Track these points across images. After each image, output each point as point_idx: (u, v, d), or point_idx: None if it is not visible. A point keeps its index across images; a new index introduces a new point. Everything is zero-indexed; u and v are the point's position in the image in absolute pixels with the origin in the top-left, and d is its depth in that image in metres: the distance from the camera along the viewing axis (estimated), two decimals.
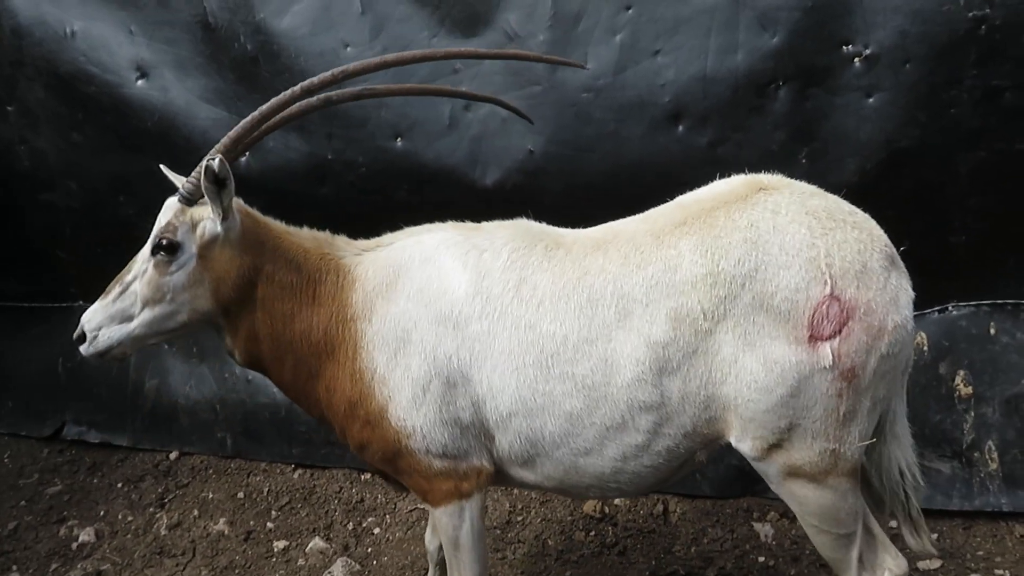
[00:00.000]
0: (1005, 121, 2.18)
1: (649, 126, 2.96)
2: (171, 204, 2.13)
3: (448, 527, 2.23)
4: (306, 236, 2.26)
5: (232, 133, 2.06)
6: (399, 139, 3.21)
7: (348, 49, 3.22)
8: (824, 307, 1.83)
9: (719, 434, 2.01)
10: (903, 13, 2.67)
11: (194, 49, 3.47)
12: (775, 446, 1.94)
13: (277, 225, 2.25)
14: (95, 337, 2.13)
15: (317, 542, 3.25)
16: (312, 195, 3.41)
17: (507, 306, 2.05)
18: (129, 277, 2.13)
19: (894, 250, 1.92)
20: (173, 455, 3.98)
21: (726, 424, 1.97)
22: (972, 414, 2.92)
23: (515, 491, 3.46)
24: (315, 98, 2.14)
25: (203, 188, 2.00)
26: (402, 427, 2.10)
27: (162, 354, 4.03)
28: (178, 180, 2.20)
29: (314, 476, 3.74)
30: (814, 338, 1.83)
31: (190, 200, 2.11)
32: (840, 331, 1.83)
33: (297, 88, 2.08)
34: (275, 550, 3.25)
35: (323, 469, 3.76)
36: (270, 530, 3.39)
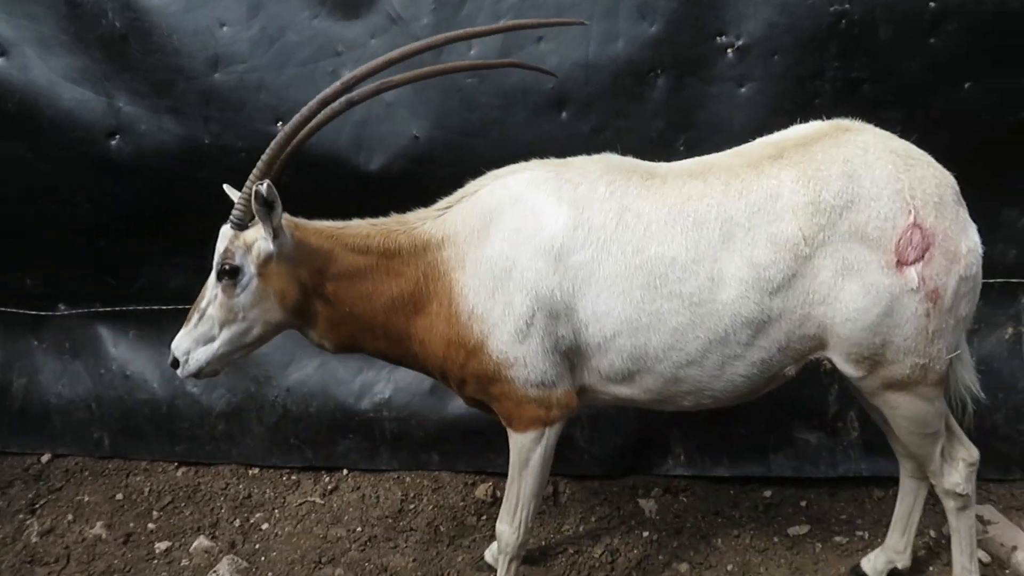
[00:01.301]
0: (863, 112, 2.31)
1: (533, 112, 2.99)
2: (225, 232, 2.29)
3: (524, 450, 2.40)
4: (361, 224, 2.38)
5: (265, 156, 2.18)
6: (280, 123, 3.10)
7: (224, 28, 3.09)
8: (908, 234, 2.04)
9: (811, 350, 2.22)
10: (771, 5, 2.79)
11: (58, 26, 3.23)
12: (872, 361, 2.15)
13: (328, 224, 2.39)
14: (186, 361, 2.35)
15: (202, 541, 3.14)
16: (190, 179, 3.26)
17: (611, 233, 2.17)
18: (204, 304, 2.33)
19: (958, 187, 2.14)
20: (45, 458, 3.75)
21: (820, 342, 2.18)
22: (836, 387, 3.11)
23: (407, 479, 3.45)
24: (336, 103, 2.21)
25: (255, 211, 2.17)
26: (504, 359, 2.24)
27: (31, 351, 3.78)
28: (235, 195, 2.31)
29: (199, 473, 3.60)
30: (901, 263, 2.05)
31: (241, 225, 2.26)
32: (923, 256, 2.05)
33: (313, 103, 2.17)
34: (157, 551, 3.12)
35: (208, 466, 3.63)
36: (151, 531, 3.24)
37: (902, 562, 2.65)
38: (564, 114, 2.98)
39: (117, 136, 3.23)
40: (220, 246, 2.27)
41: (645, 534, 3.06)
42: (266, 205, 2.15)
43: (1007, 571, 2.72)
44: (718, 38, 2.86)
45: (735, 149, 2.30)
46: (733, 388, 2.27)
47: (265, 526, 3.25)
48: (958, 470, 2.37)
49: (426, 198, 3.04)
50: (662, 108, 2.94)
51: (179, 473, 3.61)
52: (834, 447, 3.17)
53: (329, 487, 3.46)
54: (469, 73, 2.99)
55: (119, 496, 3.47)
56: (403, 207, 2.85)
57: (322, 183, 3.05)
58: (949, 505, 2.43)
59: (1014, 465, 3.10)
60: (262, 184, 2.10)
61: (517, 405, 2.34)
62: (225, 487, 3.50)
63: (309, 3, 3.05)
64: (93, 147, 3.28)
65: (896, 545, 2.65)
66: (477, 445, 3.36)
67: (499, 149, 2.98)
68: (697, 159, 2.32)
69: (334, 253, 2.32)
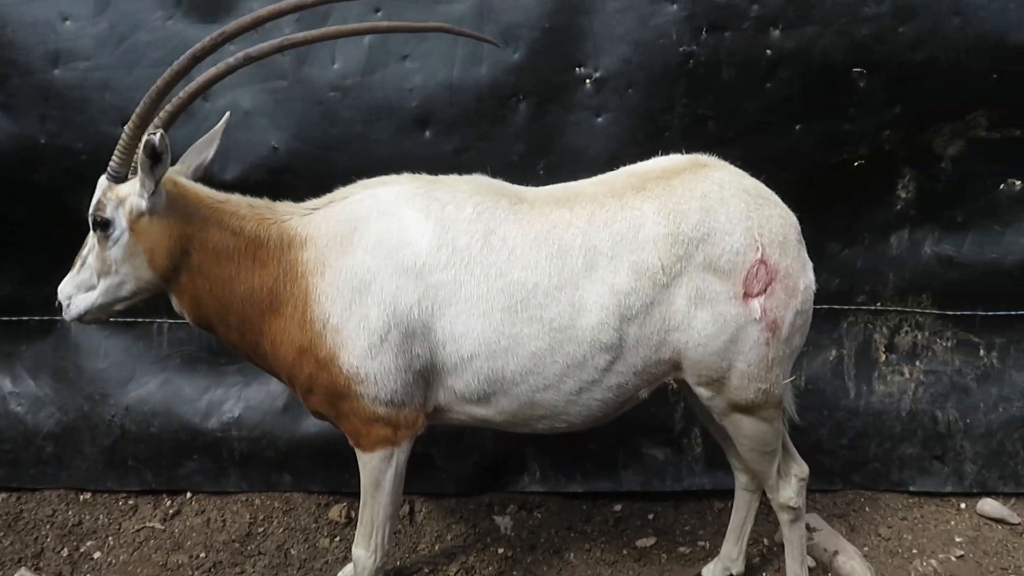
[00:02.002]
0: (707, 147, 2.48)
1: (397, 129, 2.98)
2: (100, 182, 2.24)
3: (375, 471, 2.38)
4: (240, 202, 2.34)
5: (138, 110, 2.11)
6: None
7: (67, 23, 2.91)
8: (755, 269, 2.19)
9: (665, 373, 2.34)
10: (627, 42, 2.93)
11: None
12: (719, 384, 2.30)
13: (208, 193, 2.33)
14: (68, 305, 2.34)
15: (24, 573, 2.88)
16: (23, 181, 3.03)
17: (476, 255, 2.20)
18: (85, 251, 2.32)
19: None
20: None
21: (675, 365, 2.30)
22: (681, 405, 3.28)
23: (256, 501, 3.31)
24: (233, 58, 2.12)
25: (139, 162, 2.10)
26: (354, 373, 2.22)
27: None
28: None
29: (21, 500, 3.31)
30: (747, 295, 2.20)
31: (117, 177, 2.22)
32: (766, 290, 2.21)
33: (185, 56, 2.09)
34: None
35: (32, 492, 3.34)
36: None
37: (736, 569, 2.82)
38: (428, 133, 3.00)
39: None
40: (95, 196, 2.23)
41: (500, 551, 3.09)
42: (152, 157, 2.08)
43: (829, 574, 2.95)
44: (577, 69, 2.97)
45: (599, 178, 2.39)
46: (588, 413, 2.34)
47: (97, 555, 3.03)
48: (791, 485, 2.55)
49: None
50: (524, 132, 3.02)
51: None
52: (679, 462, 3.33)
53: (171, 511, 3.27)
54: (332, 86, 2.95)
55: None
56: None
57: None
58: (783, 517, 2.61)
59: (836, 476, 3.38)
60: (155, 134, 2.03)
61: (365, 423, 2.31)
62: (52, 514, 3.23)
63: (163, 3, 2.92)
64: None
65: (730, 553, 2.81)
66: (331, 465, 3.28)
67: (361, 164, 2.94)
68: (563, 186, 2.38)
69: (208, 224, 2.26)
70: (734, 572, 2.82)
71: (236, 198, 2.36)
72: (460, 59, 2.94)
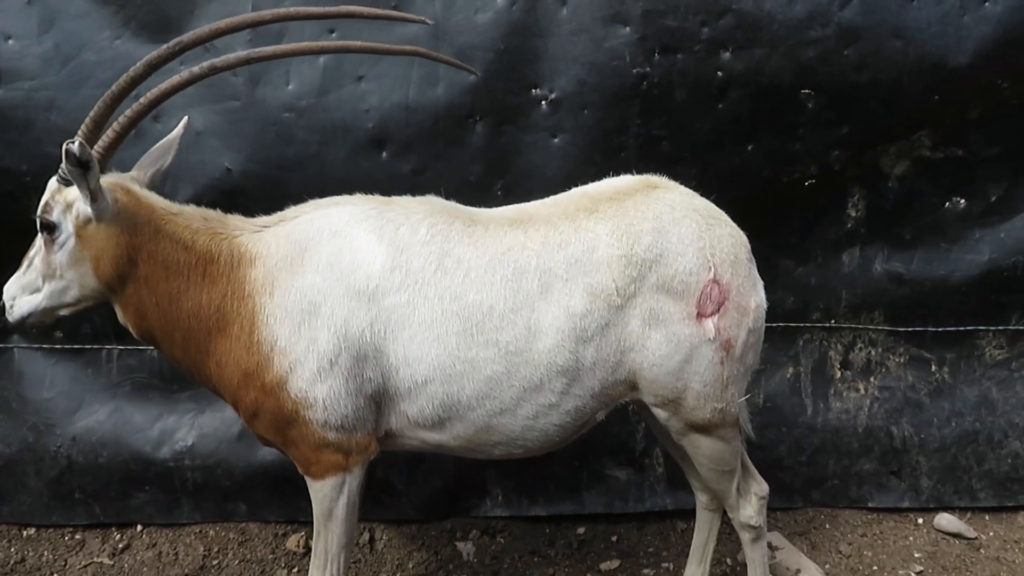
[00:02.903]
0: (662, 167, 2.52)
1: (353, 150, 2.97)
2: (50, 184, 2.21)
3: (326, 500, 2.31)
4: (194, 215, 2.30)
5: (89, 116, 2.11)
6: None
7: (9, 41, 2.85)
8: (708, 289, 2.20)
9: (622, 395, 2.32)
10: (581, 64, 2.96)
11: None
12: (675, 404, 2.29)
13: (161, 203, 2.28)
14: (11, 306, 2.28)
15: None
16: None
17: (430, 278, 2.16)
18: (32, 252, 2.27)
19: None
20: None
21: (631, 386, 2.29)
22: (643, 425, 3.28)
23: (211, 533, 3.21)
24: (198, 67, 2.10)
25: (66, 171, 2.05)
26: (303, 398, 2.16)
27: None
28: None
29: None
30: (700, 315, 2.20)
31: (67, 180, 2.15)
32: (719, 309, 2.22)
33: (140, 64, 2.08)
34: None
35: None
36: None
37: None
38: (384, 154, 2.99)
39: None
40: (43, 198, 2.20)
41: None
42: (79, 166, 2.03)
43: None
44: (533, 90, 3.00)
45: (552, 199, 2.39)
46: (545, 437, 2.31)
47: None
48: (751, 503, 2.55)
49: None
50: (480, 153, 3.02)
51: None
52: (641, 483, 3.32)
53: (120, 545, 3.15)
54: (286, 107, 2.93)
55: None
56: None
57: None
58: (744, 537, 2.60)
59: (796, 494, 3.39)
60: (74, 142, 1.98)
61: (314, 450, 2.25)
62: None
63: (111, 23, 2.88)
64: None
65: (694, 574, 2.80)
66: (288, 493, 3.20)
67: (316, 186, 2.91)
68: (516, 207, 2.38)
69: (159, 235, 2.21)
70: None
71: (190, 210, 2.31)
72: (416, 80, 2.94)
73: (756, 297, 2.32)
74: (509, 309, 2.17)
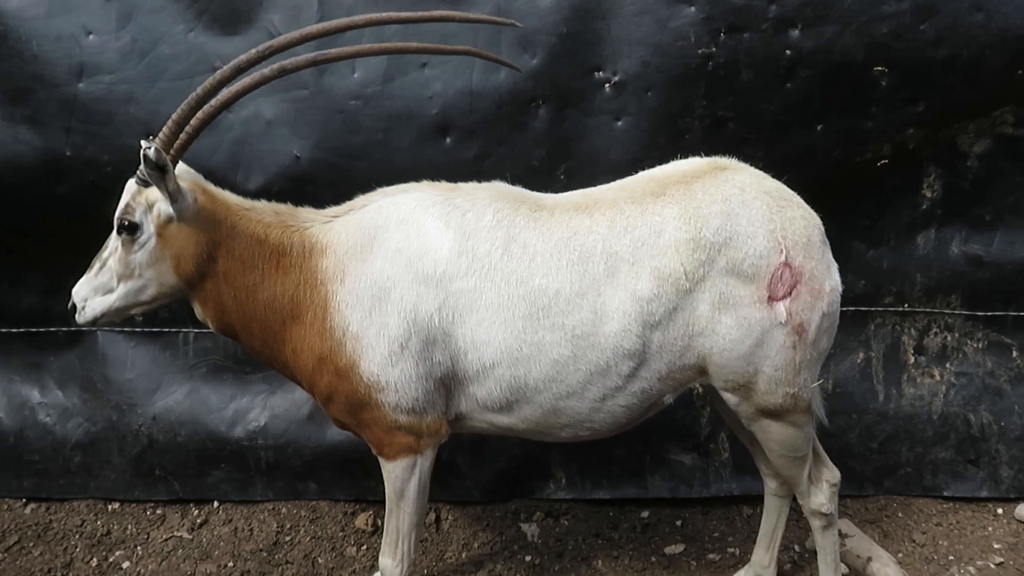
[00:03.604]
0: (729, 148, 2.46)
1: (418, 137, 2.99)
2: (129, 186, 2.25)
3: (398, 480, 2.37)
4: (266, 209, 2.35)
5: (172, 118, 2.14)
6: (151, 137, 2.97)
7: (91, 36, 2.95)
8: (779, 272, 2.16)
9: (691, 379, 2.31)
10: (645, 45, 2.92)
11: None
12: (746, 389, 2.27)
13: (234, 200, 2.34)
14: (83, 308, 2.33)
15: None
16: (46, 194, 3.07)
17: (496, 262, 2.18)
18: (105, 254, 2.31)
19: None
20: None
21: (700, 370, 2.28)
22: (708, 409, 3.25)
23: (283, 510, 3.32)
24: (268, 69, 2.14)
25: (146, 174, 2.12)
26: (375, 382, 2.21)
27: None
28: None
29: (50, 510, 3.33)
30: (772, 298, 2.16)
31: (146, 181, 2.21)
32: (791, 292, 2.18)
33: (227, 67, 2.11)
34: None
35: (61, 502, 3.37)
36: None
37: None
38: (448, 140, 3.01)
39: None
40: (123, 200, 2.24)
41: (527, 558, 3.06)
42: (157, 169, 2.09)
43: None
44: (596, 73, 2.97)
45: (618, 183, 2.37)
46: (612, 420, 2.31)
47: (126, 564, 3.04)
48: (823, 491, 2.51)
49: None
50: (543, 138, 3.01)
51: (27, 510, 3.33)
52: (707, 468, 3.29)
53: (198, 521, 3.28)
54: (353, 95, 2.97)
55: None
56: None
57: None
58: (815, 523, 2.57)
59: (867, 481, 3.32)
60: (150, 147, 2.04)
61: (387, 432, 2.31)
62: (81, 524, 3.26)
63: (184, 16, 2.96)
64: None
65: (762, 560, 2.77)
66: (356, 473, 3.28)
67: (382, 172, 2.97)
68: (582, 192, 2.37)
69: (235, 232, 2.28)
70: None
71: (262, 205, 2.37)
72: (479, 66, 2.95)
73: (830, 280, 2.26)
74: (575, 293, 2.17)
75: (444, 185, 2.38)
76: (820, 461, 2.56)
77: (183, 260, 2.26)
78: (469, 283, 2.19)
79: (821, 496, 2.51)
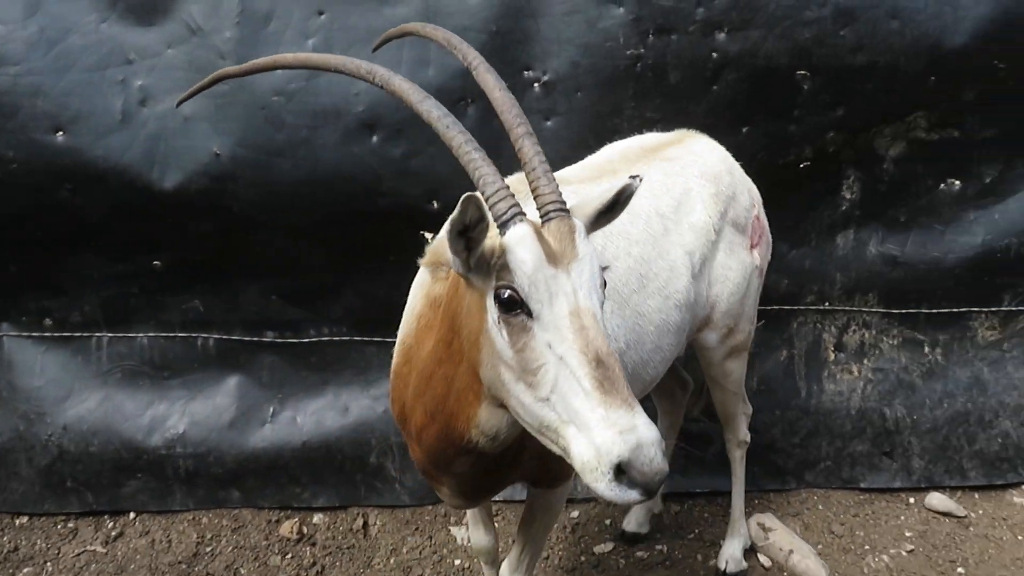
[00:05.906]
0: None
1: (344, 134, 2.92)
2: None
3: (559, 503, 2.15)
4: None
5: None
6: (59, 133, 2.83)
7: None
8: (754, 223, 2.48)
9: (691, 334, 2.40)
10: (575, 45, 2.93)
11: None
12: (729, 328, 2.47)
13: None
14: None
15: None
16: None
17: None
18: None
19: None
20: None
21: (705, 321, 2.41)
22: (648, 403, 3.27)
23: (204, 520, 3.21)
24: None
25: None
26: None
27: None
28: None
29: None
30: (752, 246, 2.46)
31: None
32: (759, 242, 2.50)
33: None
34: None
35: None
36: None
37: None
38: (375, 138, 2.95)
39: None
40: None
41: (457, 562, 3.03)
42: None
43: (785, 573, 2.97)
44: (525, 72, 2.96)
45: (603, 154, 2.45)
46: (651, 381, 2.22)
47: None
48: (744, 423, 2.87)
49: (227, 218, 2.88)
50: (473, 136, 2.95)
51: None
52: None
53: (113, 534, 3.14)
54: (275, 90, 2.88)
55: None
56: (202, 228, 2.66)
57: (107, 200, 2.80)
58: (737, 455, 2.90)
59: (789, 475, 3.40)
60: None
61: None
62: None
63: (97, 6, 2.82)
64: None
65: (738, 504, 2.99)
66: (281, 479, 3.19)
67: (306, 170, 2.90)
68: (578, 166, 2.37)
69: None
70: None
71: None
72: (407, 62, 2.90)
73: (769, 233, 2.63)
74: (657, 254, 2.17)
75: None
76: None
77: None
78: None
79: (745, 427, 2.86)
